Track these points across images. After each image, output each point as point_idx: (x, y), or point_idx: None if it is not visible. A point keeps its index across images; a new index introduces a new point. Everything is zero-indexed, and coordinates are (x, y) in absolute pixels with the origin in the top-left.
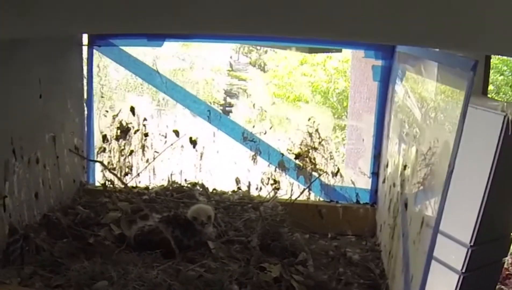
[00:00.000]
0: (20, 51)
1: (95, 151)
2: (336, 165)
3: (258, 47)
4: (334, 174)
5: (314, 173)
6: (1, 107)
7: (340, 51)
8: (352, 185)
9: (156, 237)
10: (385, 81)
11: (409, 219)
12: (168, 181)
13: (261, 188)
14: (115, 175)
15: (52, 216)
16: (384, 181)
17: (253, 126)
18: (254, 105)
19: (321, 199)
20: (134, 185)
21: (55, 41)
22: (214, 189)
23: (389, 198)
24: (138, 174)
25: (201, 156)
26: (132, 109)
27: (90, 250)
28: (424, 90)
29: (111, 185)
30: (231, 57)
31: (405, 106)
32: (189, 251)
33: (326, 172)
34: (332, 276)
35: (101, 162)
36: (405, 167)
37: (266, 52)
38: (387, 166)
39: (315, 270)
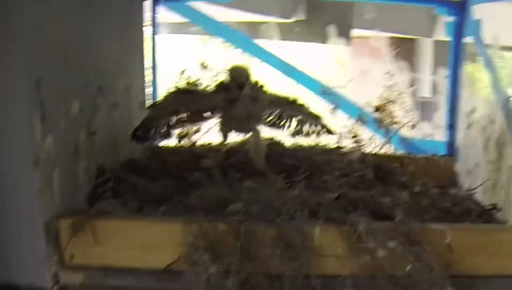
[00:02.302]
0: None
1: None
2: (414, 118)
3: None
4: (412, 127)
5: (393, 126)
6: (85, 41)
7: None
8: (429, 138)
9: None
10: (458, 36)
11: None
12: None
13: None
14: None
15: (139, 161)
16: (469, 127)
17: (333, 80)
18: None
19: (400, 151)
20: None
21: None
22: (293, 143)
23: (484, 137)
24: (209, 129)
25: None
26: (203, 64)
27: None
28: None
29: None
30: None
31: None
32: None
33: (405, 125)
34: (454, 204)
35: None
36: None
37: None
38: (472, 112)
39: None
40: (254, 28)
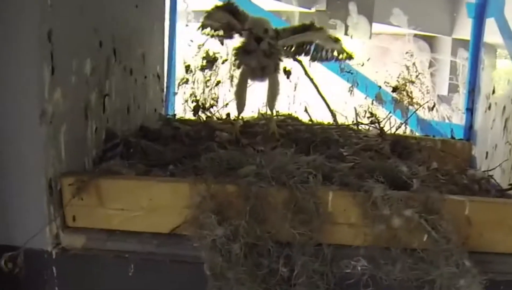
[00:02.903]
0: None
1: (176, 82)
2: (432, 100)
3: None
4: (430, 109)
5: (411, 107)
6: (103, 3)
7: None
8: (447, 121)
9: None
10: (480, 17)
11: None
12: (259, 112)
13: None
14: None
15: (151, 128)
16: (488, 109)
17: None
18: (351, 36)
19: (417, 133)
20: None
21: None
22: (310, 120)
23: (504, 118)
24: (226, 104)
25: (295, 87)
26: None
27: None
28: None
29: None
30: None
31: None
32: None
33: (423, 107)
34: (472, 181)
35: None
36: None
37: None
38: (492, 93)
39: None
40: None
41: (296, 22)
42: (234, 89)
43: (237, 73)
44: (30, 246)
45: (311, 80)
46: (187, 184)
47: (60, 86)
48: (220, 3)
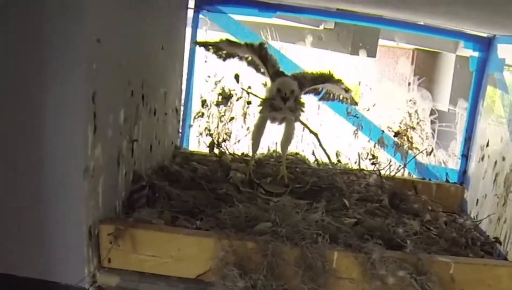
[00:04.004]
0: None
1: (192, 116)
2: (431, 145)
3: None
4: (428, 154)
5: (410, 151)
6: (135, 52)
7: None
8: (443, 165)
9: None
10: (481, 71)
11: None
12: (269, 149)
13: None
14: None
15: (172, 168)
16: (482, 160)
17: (357, 103)
18: (359, 82)
19: (414, 176)
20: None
21: None
22: (316, 160)
23: (495, 172)
24: (238, 141)
25: (303, 128)
26: (237, 76)
27: (228, 200)
28: None
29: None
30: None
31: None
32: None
33: (422, 151)
34: (460, 235)
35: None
36: None
37: None
38: (486, 145)
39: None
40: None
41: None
42: (252, 129)
43: (250, 110)
44: (69, 283)
45: (315, 135)
46: (212, 239)
47: (100, 142)
48: (250, 42)
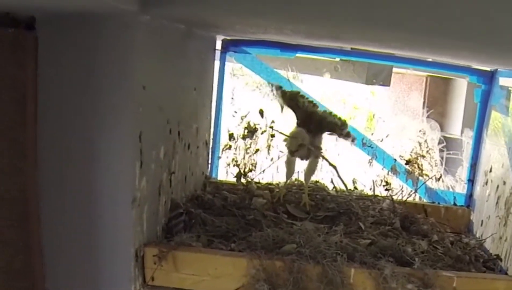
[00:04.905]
0: (190, 42)
1: (221, 148)
2: (439, 172)
3: None
4: (437, 179)
5: (421, 178)
6: (173, 95)
7: None
8: (451, 190)
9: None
10: (484, 102)
11: None
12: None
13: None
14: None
15: (205, 197)
16: (485, 184)
17: (372, 134)
18: (373, 115)
19: (425, 200)
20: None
21: (200, 40)
22: (334, 187)
23: (497, 195)
24: (263, 171)
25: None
26: (261, 112)
27: (256, 224)
28: None
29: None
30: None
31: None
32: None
33: (431, 178)
34: (464, 252)
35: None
36: None
37: None
38: (490, 171)
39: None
40: (303, 64)
41: (324, 72)
42: (284, 158)
43: (273, 143)
44: None
45: (334, 167)
46: (245, 259)
47: (145, 175)
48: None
